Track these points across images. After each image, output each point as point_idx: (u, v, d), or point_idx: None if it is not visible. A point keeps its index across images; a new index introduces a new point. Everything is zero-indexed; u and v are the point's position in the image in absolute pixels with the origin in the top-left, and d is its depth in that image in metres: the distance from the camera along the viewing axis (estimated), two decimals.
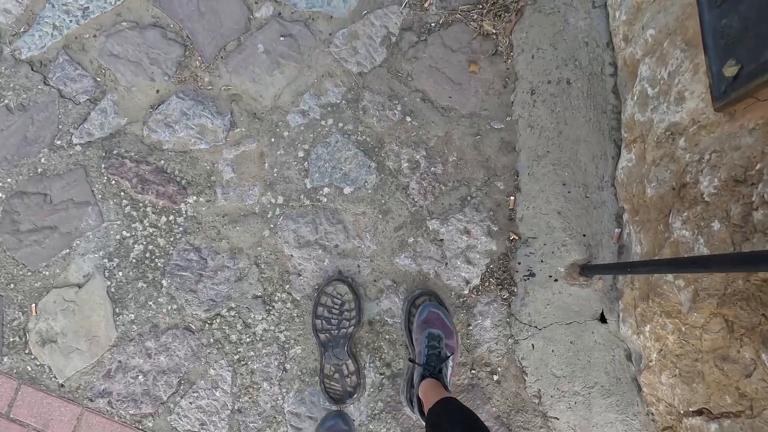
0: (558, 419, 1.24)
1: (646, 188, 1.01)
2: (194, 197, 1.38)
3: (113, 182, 1.39)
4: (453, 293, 1.32)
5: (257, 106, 1.42)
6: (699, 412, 0.89)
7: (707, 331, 0.83)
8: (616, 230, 1.20)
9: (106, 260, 1.37)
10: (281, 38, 1.45)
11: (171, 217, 1.38)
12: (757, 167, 0.68)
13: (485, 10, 1.41)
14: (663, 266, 0.80)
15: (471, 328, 1.31)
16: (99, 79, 1.44)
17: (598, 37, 1.29)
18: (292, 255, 1.35)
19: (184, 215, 1.38)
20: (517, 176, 1.34)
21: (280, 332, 1.34)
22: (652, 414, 1.09)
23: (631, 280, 1.08)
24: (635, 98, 1.09)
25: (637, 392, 1.14)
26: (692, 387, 0.89)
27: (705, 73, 0.79)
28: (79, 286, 1.37)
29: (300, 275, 1.35)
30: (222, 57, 1.44)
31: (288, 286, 1.35)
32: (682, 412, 0.94)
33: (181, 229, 1.37)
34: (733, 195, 0.73)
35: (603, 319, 1.20)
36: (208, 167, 1.40)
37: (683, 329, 0.89)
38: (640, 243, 1.05)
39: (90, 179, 1.40)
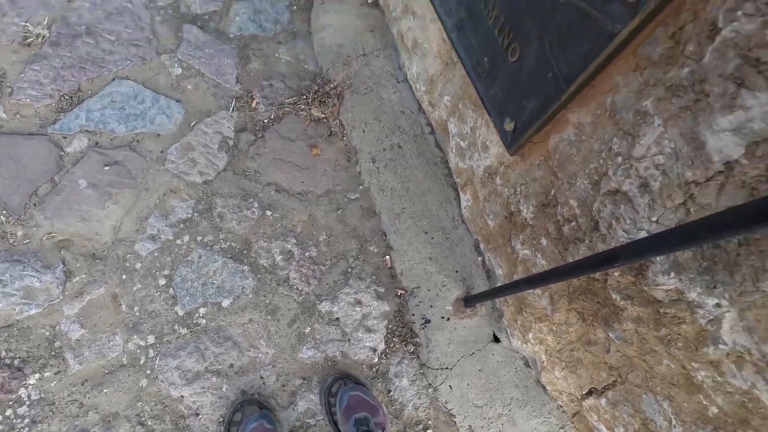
0: None
1: (487, 221, 1.19)
2: (37, 375, 1.14)
3: None
4: (364, 366, 1.32)
5: (95, 246, 1.27)
6: (590, 393, 1.04)
7: (569, 324, 0.99)
8: (479, 258, 1.37)
9: None
10: (105, 168, 1.34)
11: (9, 411, 1.10)
12: (552, 193, 0.87)
13: (310, 99, 1.54)
14: (521, 285, 0.94)
15: (392, 393, 1.32)
16: None
17: (410, 105, 1.51)
18: (182, 396, 1.19)
19: (28, 402, 1.12)
20: (386, 236, 1.44)
21: None
22: (561, 406, 1.23)
23: (504, 300, 1.24)
24: (454, 151, 1.30)
25: (544, 392, 1.27)
26: (578, 373, 1.05)
27: (495, 128, 0.99)
28: None
29: (198, 414, 1.19)
30: (35, 204, 1.26)
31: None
32: (579, 396, 1.08)
33: (27, 420, 1.11)
34: (546, 216, 0.91)
35: (497, 339, 1.34)
36: (48, 333, 1.17)
37: (554, 328, 1.05)
38: (500, 266, 1.21)
39: None
